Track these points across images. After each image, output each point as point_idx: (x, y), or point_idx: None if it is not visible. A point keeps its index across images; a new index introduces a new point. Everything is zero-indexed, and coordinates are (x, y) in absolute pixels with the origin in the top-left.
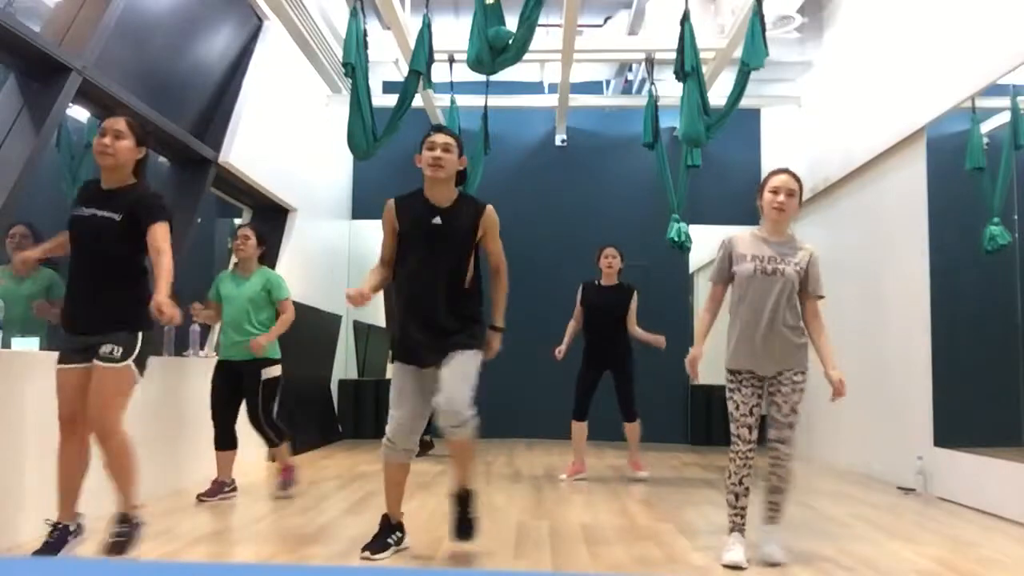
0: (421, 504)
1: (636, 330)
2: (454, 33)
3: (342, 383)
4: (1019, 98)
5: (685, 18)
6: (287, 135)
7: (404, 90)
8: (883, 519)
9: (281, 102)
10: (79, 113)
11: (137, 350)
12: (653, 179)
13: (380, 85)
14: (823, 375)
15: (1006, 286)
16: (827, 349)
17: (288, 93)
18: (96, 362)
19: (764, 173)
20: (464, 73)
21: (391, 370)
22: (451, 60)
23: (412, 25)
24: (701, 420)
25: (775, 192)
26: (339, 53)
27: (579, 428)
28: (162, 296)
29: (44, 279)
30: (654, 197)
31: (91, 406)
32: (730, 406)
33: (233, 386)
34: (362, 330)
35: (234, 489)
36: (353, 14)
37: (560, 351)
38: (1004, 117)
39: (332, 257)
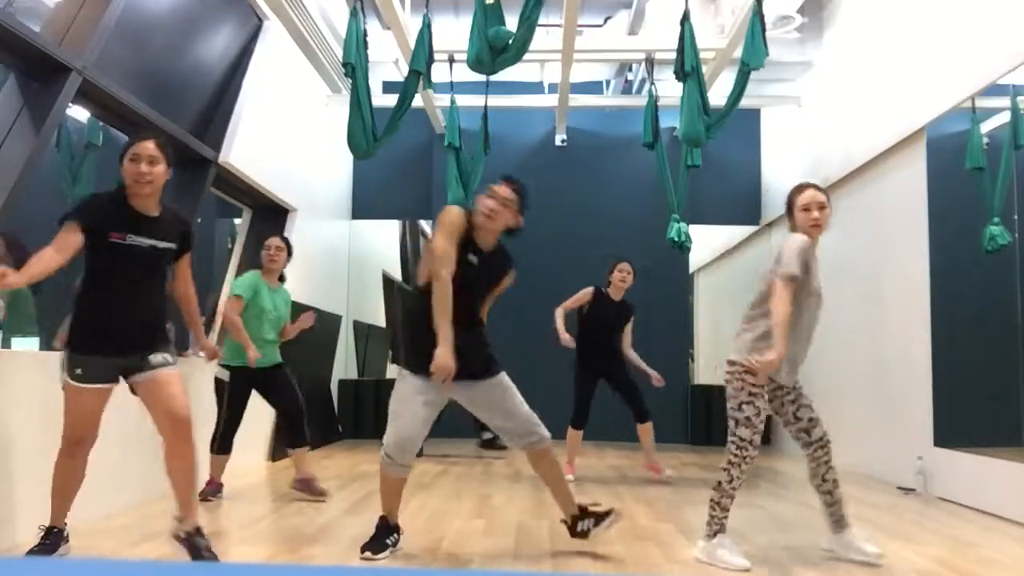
0: (421, 504)
1: (630, 352)
2: (454, 33)
3: (342, 383)
4: (1019, 98)
5: (685, 18)
6: (287, 135)
7: (404, 90)
8: (883, 519)
9: (281, 102)
10: (79, 113)
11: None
12: (653, 179)
13: (380, 85)
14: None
15: (1006, 286)
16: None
17: (288, 93)
18: (158, 370)
19: (764, 173)
20: (464, 73)
21: (399, 376)
22: (451, 60)
23: (412, 25)
24: (701, 420)
25: (807, 209)
26: (339, 53)
27: (576, 436)
28: (205, 340)
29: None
30: (654, 197)
31: (174, 407)
32: (748, 411)
33: (266, 389)
34: (362, 330)
35: (222, 489)
36: (353, 14)
37: (565, 338)
38: (1004, 117)
39: (332, 257)
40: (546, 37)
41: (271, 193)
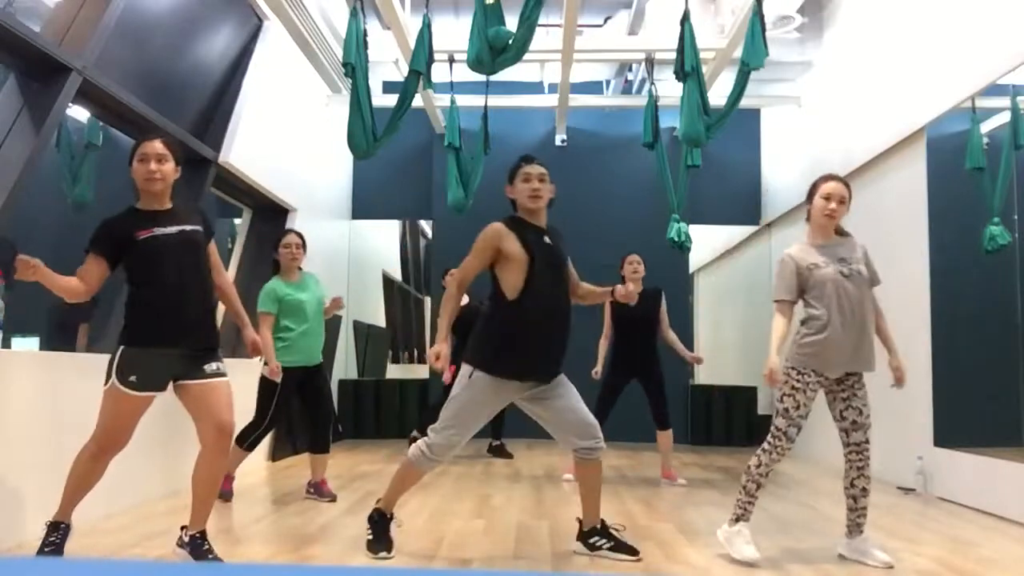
0: (421, 504)
1: (670, 335)
2: (454, 33)
3: (342, 383)
4: (1019, 98)
5: (685, 18)
6: (287, 135)
7: (404, 90)
8: (883, 519)
9: (281, 102)
10: (79, 113)
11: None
12: (653, 179)
13: (380, 85)
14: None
15: (1006, 286)
16: (892, 336)
17: (288, 93)
18: (211, 380)
19: (764, 173)
20: (464, 73)
21: (469, 380)
22: (451, 60)
23: (412, 25)
24: (701, 420)
25: (827, 199)
26: (339, 53)
27: None
28: (251, 330)
29: None
30: (654, 197)
31: (223, 420)
32: (787, 402)
33: (308, 389)
34: (362, 330)
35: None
36: (353, 14)
37: (596, 372)
38: (1004, 117)
39: (332, 257)
40: (546, 37)
41: (271, 193)
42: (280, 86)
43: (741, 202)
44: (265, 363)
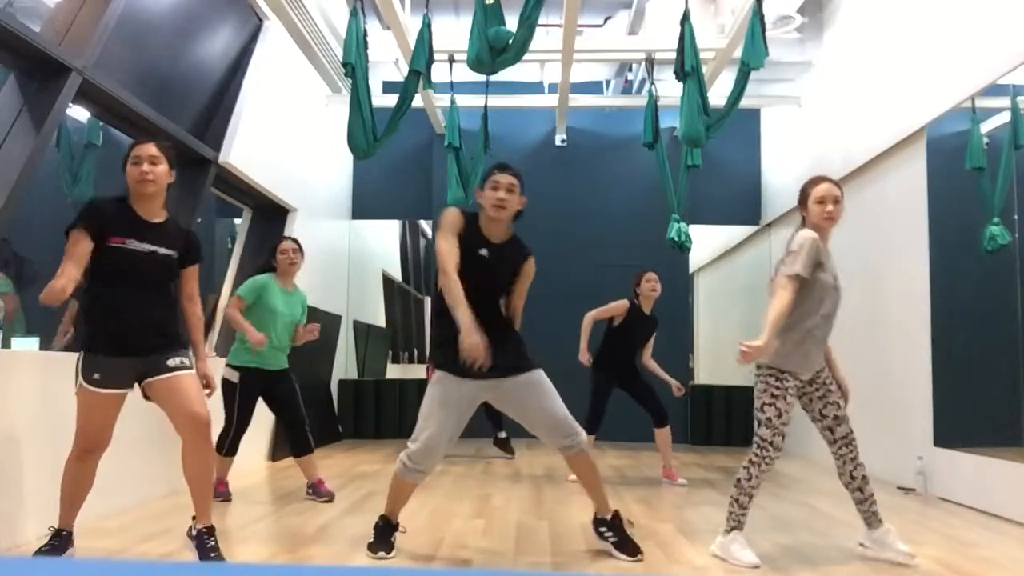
0: (421, 504)
1: (651, 363)
2: (454, 33)
3: (342, 383)
4: (1019, 98)
5: (685, 18)
6: (287, 135)
7: (404, 90)
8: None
9: (281, 102)
10: (79, 113)
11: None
12: (653, 179)
13: (380, 85)
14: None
15: (1006, 286)
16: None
17: (288, 93)
18: (176, 373)
19: (764, 173)
20: (464, 73)
21: (432, 381)
22: (451, 60)
23: (412, 25)
24: (701, 420)
25: (822, 202)
26: (339, 53)
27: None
28: (205, 364)
29: None
30: (654, 197)
31: (195, 409)
32: (769, 412)
33: (258, 395)
34: (362, 330)
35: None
36: (353, 14)
37: (585, 358)
38: (1004, 117)
39: (332, 257)
40: (546, 37)
41: (271, 193)
42: (280, 86)
43: (741, 202)
44: (229, 365)
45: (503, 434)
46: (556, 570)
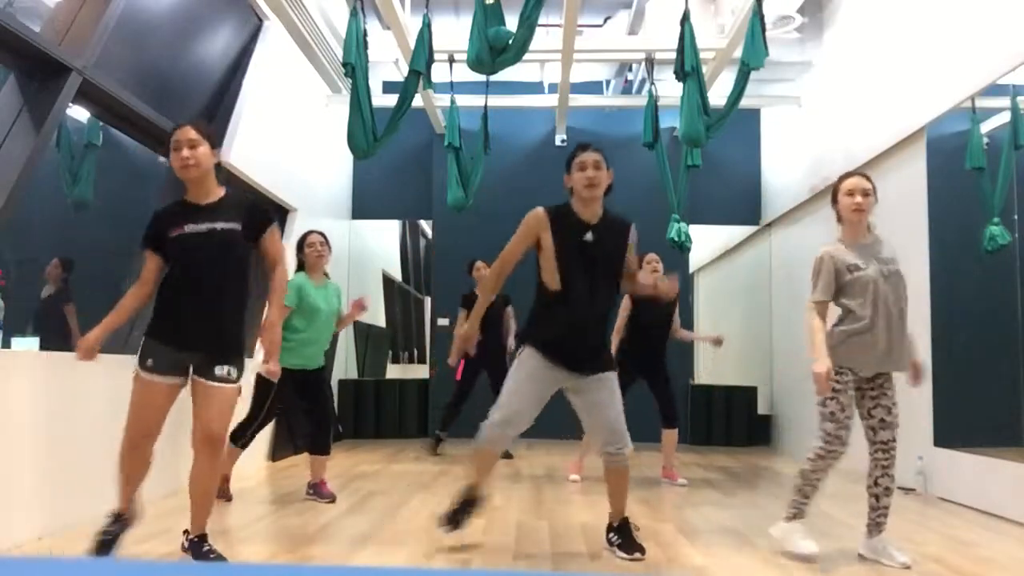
0: (421, 504)
1: (682, 333)
2: (454, 33)
3: (342, 383)
4: (1019, 98)
5: (685, 18)
6: (287, 135)
7: (404, 90)
8: None
9: (281, 102)
10: (79, 113)
11: (243, 366)
12: (653, 179)
13: (380, 85)
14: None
15: (1006, 286)
16: (914, 336)
17: (288, 93)
18: (216, 384)
19: (764, 173)
20: (464, 73)
21: (519, 357)
22: (451, 60)
23: (412, 25)
24: (701, 420)
25: (851, 194)
26: (339, 53)
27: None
28: (274, 317)
29: None
30: (654, 197)
31: (213, 427)
32: (832, 406)
33: (303, 392)
34: (362, 330)
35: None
36: (353, 14)
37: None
38: (1004, 117)
39: (332, 257)
40: (546, 37)
41: (271, 193)
42: (280, 86)
43: (741, 202)
44: (264, 361)
45: (443, 434)
46: (556, 570)
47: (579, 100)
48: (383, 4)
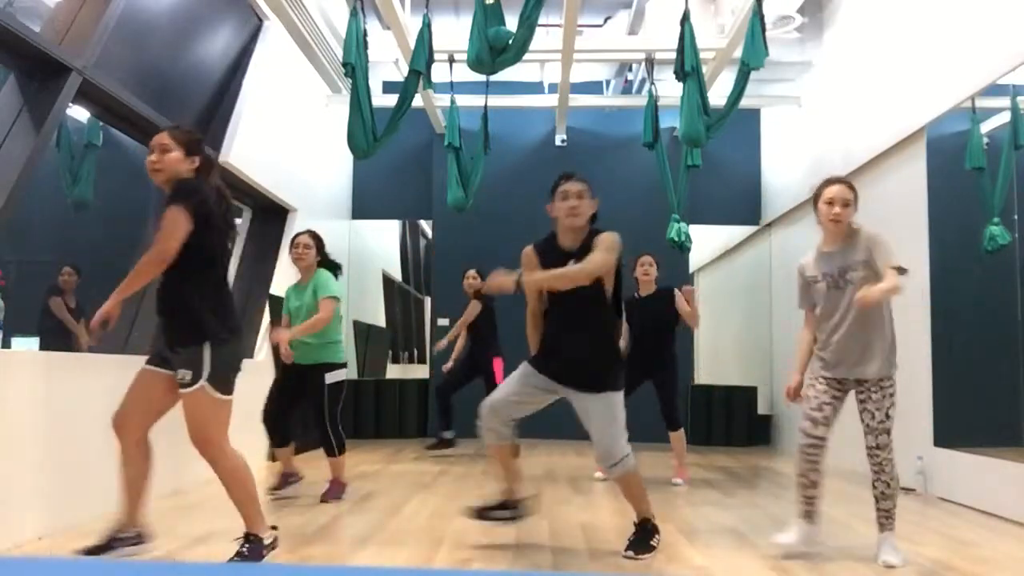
0: (421, 503)
1: (693, 316)
2: (454, 33)
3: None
4: (1019, 98)
5: (685, 18)
6: (287, 135)
7: (404, 90)
8: None
9: (281, 102)
10: (79, 113)
11: (205, 367)
12: (653, 179)
13: (380, 85)
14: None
15: (1006, 286)
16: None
17: (288, 93)
18: (180, 390)
19: (764, 173)
20: (464, 73)
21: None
22: (451, 60)
23: (412, 25)
24: (701, 420)
25: (831, 203)
26: (339, 53)
27: None
28: (109, 304)
29: None
30: (654, 197)
31: (190, 432)
32: (805, 400)
33: (295, 388)
34: (362, 330)
35: (300, 477)
36: (353, 14)
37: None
38: (1004, 117)
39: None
40: (546, 37)
41: (271, 193)
42: (280, 86)
43: (741, 202)
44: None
45: (448, 434)
46: (556, 570)
47: (579, 100)
48: (383, 4)
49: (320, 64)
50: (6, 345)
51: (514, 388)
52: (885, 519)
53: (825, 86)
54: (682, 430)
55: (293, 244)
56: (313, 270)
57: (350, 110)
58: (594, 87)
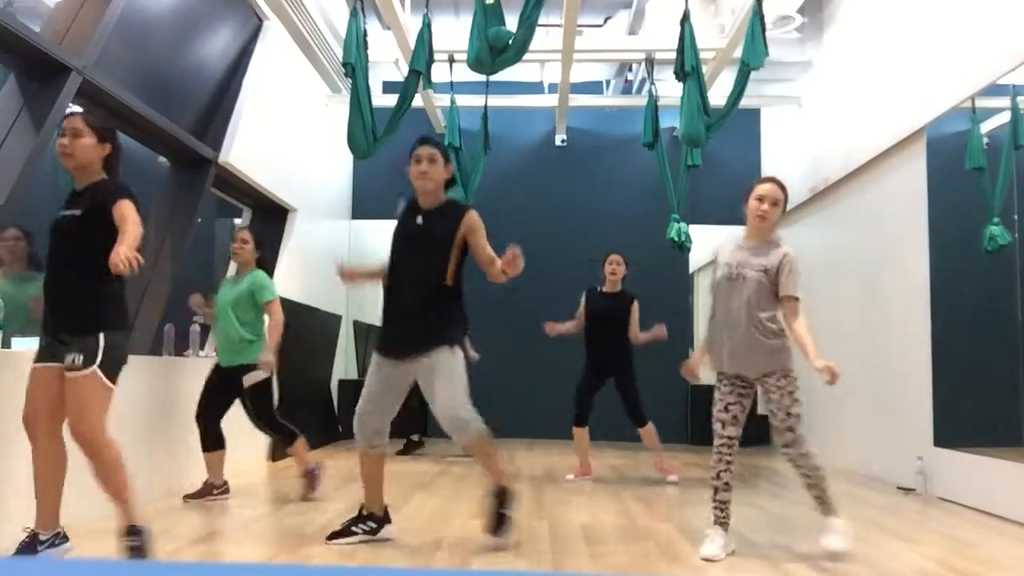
0: (421, 504)
1: (638, 337)
2: (454, 33)
3: (342, 383)
4: (1019, 98)
5: (685, 18)
6: (287, 135)
7: (404, 90)
8: (883, 519)
9: (281, 102)
10: None
11: (99, 353)
12: (653, 179)
13: (380, 85)
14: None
15: (1006, 286)
16: (805, 340)
17: (288, 93)
18: (67, 374)
19: (764, 173)
20: (464, 73)
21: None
22: (451, 60)
23: (412, 25)
24: (701, 420)
25: (760, 200)
26: (339, 53)
27: (580, 433)
28: (122, 247)
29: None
30: (654, 197)
31: (70, 418)
32: (713, 404)
33: (218, 389)
34: (362, 330)
35: (226, 491)
36: (353, 14)
37: (552, 327)
38: (1004, 117)
39: (332, 257)
40: (546, 37)
41: (271, 193)
42: (280, 86)
43: (741, 202)
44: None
45: (415, 437)
46: (556, 570)
47: (579, 100)
48: (383, 4)
49: (320, 64)
50: (6, 345)
51: (372, 391)
52: (819, 502)
53: (825, 86)
54: (651, 424)
55: (233, 238)
56: (250, 267)
57: (350, 110)
58: (594, 87)
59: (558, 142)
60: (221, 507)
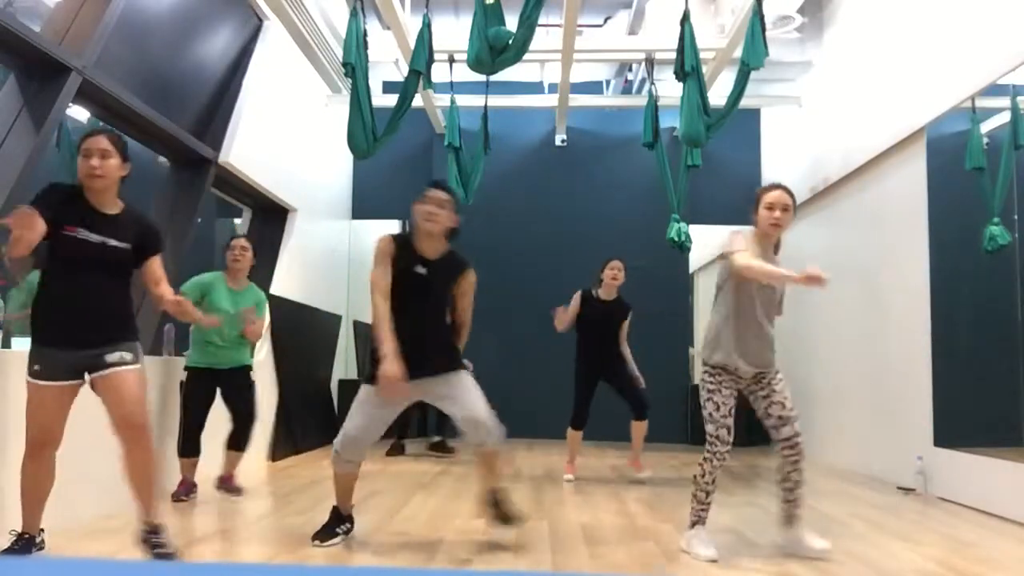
0: (421, 504)
1: (625, 350)
2: (454, 33)
3: (342, 383)
4: (1019, 98)
5: (685, 18)
6: (287, 135)
7: (404, 90)
8: (883, 519)
9: (281, 102)
10: (79, 113)
11: (141, 356)
12: (653, 179)
13: (380, 85)
14: (824, 376)
15: (1006, 286)
16: (766, 269)
17: (288, 93)
18: (114, 370)
19: (764, 173)
20: (464, 73)
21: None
22: (451, 60)
23: (412, 25)
24: (701, 420)
25: (771, 208)
26: (339, 53)
27: (576, 436)
28: (171, 294)
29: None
30: (654, 197)
31: (127, 412)
32: (709, 407)
33: (210, 395)
34: (362, 330)
35: (195, 489)
36: (353, 14)
37: (560, 317)
38: (1004, 117)
39: (332, 257)
40: (546, 37)
41: (271, 193)
42: (280, 86)
43: (741, 202)
44: (185, 367)
45: (438, 438)
46: (556, 570)
47: (579, 100)
48: (383, 4)
49: (320, 64)
50: (6, 345)
51: (370, 417)
52: (796, 508)
53: (825, 86)
54: (646, 423)
55: (230, 246)
56: (245, 274)
57: (350, 110)
58: (594, 87)
59: (558, 142)
60: (222, 507)
